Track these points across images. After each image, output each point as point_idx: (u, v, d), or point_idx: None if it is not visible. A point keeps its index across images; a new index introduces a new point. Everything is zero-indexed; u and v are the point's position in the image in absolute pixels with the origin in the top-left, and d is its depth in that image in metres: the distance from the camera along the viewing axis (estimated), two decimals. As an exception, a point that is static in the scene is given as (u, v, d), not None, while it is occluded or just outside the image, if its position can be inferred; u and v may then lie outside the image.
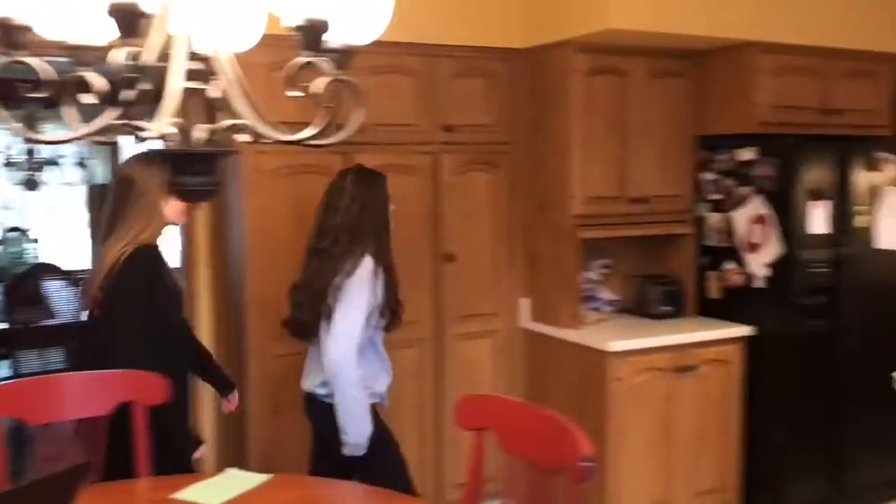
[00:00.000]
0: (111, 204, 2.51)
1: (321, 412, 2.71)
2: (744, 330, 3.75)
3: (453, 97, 3.63)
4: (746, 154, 3.79)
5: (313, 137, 1.34)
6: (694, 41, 3.67)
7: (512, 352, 3.90)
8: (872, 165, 3.88)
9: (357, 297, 2.61)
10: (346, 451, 2.62)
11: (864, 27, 3.94)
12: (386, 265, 2.71)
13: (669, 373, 3.60)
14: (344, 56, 1.41)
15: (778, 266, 3.67)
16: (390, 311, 2.73)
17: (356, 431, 2.61)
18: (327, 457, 2.74)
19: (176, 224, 2.64)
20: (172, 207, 2.52)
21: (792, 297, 3.68)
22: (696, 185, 4.00)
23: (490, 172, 3.79)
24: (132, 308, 2.38)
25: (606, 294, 4.02)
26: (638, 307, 4.04)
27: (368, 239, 2.67)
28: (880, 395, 3.40)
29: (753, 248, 3.76)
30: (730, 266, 3.88)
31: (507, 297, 3.88)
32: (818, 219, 3.71)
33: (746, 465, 3.82)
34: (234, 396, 2.88)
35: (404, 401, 3.57)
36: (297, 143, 1.36)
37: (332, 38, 1.39)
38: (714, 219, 3.94)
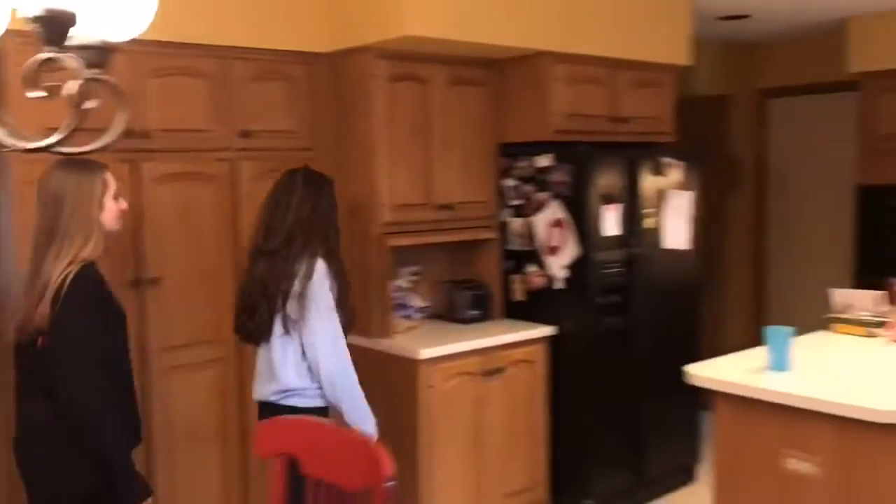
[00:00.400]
0: (40, 223, 2.28)
1: None
2: (546, 330, 3.86)
3: (250, 102, 3.46)
4: (543, 161, 3.91)
5: (60, 143, 1.18)
6: (490, 50, 3.73)
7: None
8: (658, 170, 4.13)
9: (325, 299, 2.63)
10: None
11: (646, 40, 4.19)
12: (337, 267, 2.72)
13: (478, 376, 3.63)
14: (100, 54, 1.26)
15: (575, 267, 3.82)
16: (345, 313, 2.73)
17: (371, 423, 2.72)
18: None
19: (114, 230, 2.42)
20: (109, 213, 2.34)
21: (589, 297, 3.84)
22: (500, 191, 4.08)
23: (293, 180, 3.65)
24: (84, 334, 2.21)
25: (417, 301, 4.00)
26: (448, 313, 4.06)
27: (319, 241, 2.69)
28: (672, 388, 3.60)
29: (553, 250, 3.89)
30: (532, 269, 3.99)
31: (315, 308, 3.75)
32: (611, 221, 3.90)
33: (553, 461, 3.94)
34: None
35: (209, 425, 3.37)
36: (43, 149, 1.19)
37: (85, 34, 1.24)
38: (516, 223, 4.04)
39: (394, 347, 3.56)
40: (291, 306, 2.61)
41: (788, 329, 2.86)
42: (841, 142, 5.40)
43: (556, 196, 3.87)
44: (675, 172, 4.20)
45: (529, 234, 3.98)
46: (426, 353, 3.45)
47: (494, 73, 3.98)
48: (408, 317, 3.93)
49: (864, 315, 3.46)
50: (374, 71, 3.57)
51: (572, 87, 3.90)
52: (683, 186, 4.24)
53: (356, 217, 3.67)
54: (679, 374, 2.98)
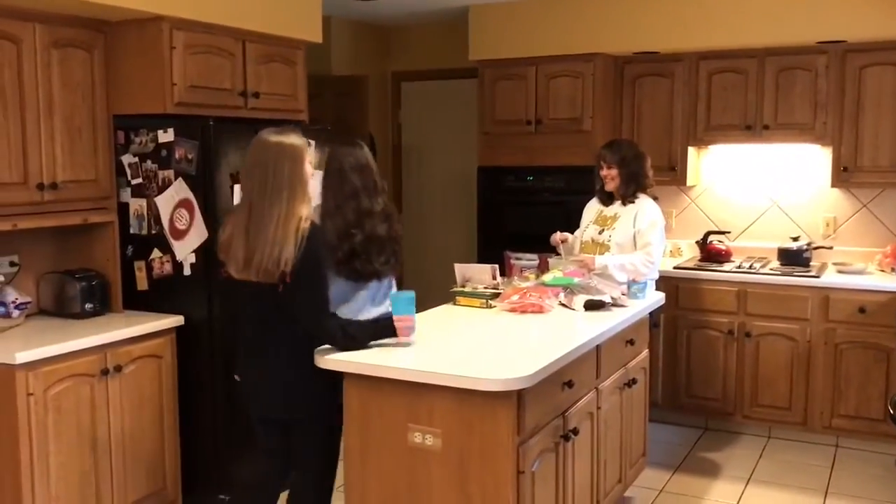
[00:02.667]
0: (260, 178, 2.73)
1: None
2: (172, 321, 3.56)
3: None
4: (165, 135, 3.59)
5: None
6: (98, 9, 3.32)
7: None
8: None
9: None
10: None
11: (276, 13, 4.04)
12: None
13: (94, 378, 3.24)
14: None
15: (204, 252, 3.56)
16: None
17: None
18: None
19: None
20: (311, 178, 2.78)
21: (218, 283, 3.61)
22: (118, 169, 3.67)
23: None
24: (325, 275, 2.79)
25: (13, 296, 3.44)
26: (57, 308, 3.58)
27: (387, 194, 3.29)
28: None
29: (179, 234, 3.59)
30: (157, 255, 3.66)
31: None
32: (242, 201, 3.70)
33: (186, 456, 3.68)
34: None
35: None
36: None
37: None
38: (137, 205, 3.67)
39: (-16, 353, 3.03)
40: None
41: (410, 293, 2.91)
42: (468, 125, 5.76)
43: (181, 174, 3.57)
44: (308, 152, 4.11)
45: (154, 217, 3.64)
46: (24, 356, 2.98)
47: (106, 36, 3.56)
48: (6, 315, 3.38)
49: (481, 287, 3.69)
50: (-55, 24, 2.98)
51: (195, 58, 3.62)
52: (318, 166, 4.17)
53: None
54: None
